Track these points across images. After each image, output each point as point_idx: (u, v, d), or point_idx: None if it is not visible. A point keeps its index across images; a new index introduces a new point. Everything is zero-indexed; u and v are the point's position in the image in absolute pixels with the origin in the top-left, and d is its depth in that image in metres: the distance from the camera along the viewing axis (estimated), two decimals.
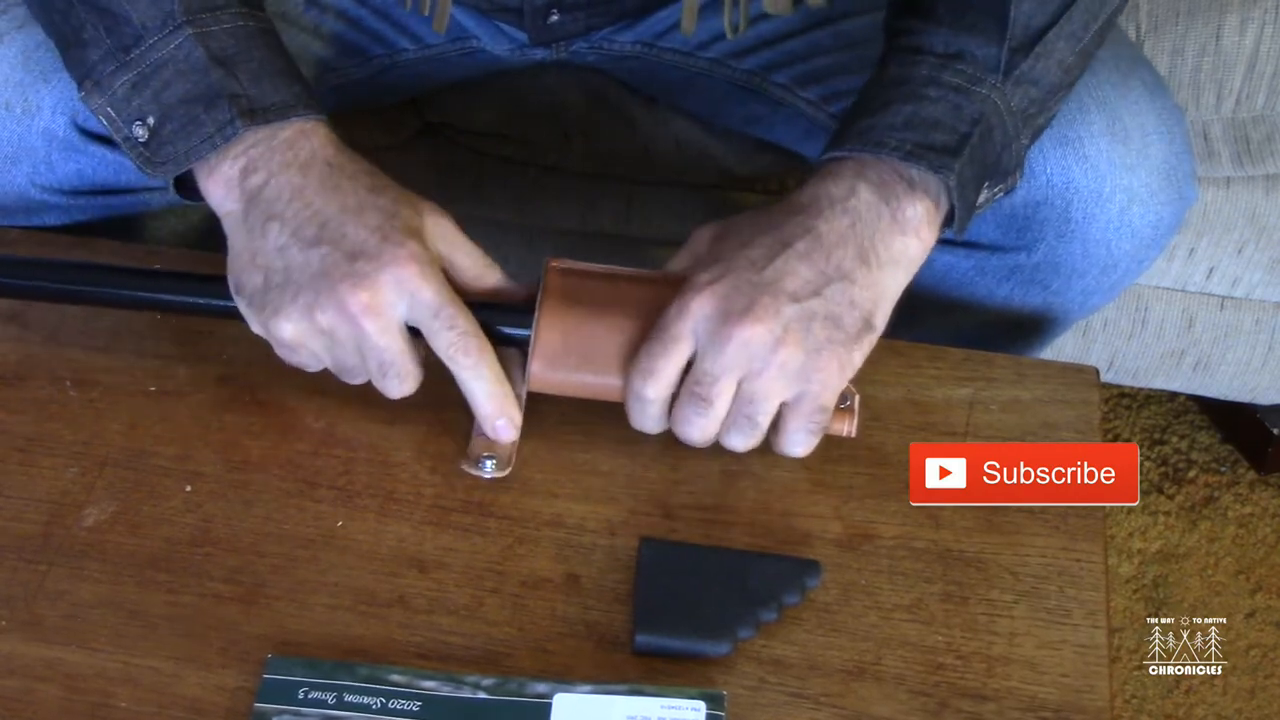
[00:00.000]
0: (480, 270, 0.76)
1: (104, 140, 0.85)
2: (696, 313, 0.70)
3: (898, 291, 0.73)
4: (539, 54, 1.01)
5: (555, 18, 0.95)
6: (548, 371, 0.73)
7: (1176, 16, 1.10)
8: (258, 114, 0.72)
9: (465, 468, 0.74)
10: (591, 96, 1.13)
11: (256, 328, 0.73)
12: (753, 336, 0.69)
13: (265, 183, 0.72)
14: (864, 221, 0.71)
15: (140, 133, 0.73)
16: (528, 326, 0.73)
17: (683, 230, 1.30)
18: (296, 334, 0.71)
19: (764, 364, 0.69)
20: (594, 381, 0.74)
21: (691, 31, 0.92)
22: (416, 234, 0.72)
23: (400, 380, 0.72)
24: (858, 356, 0.71)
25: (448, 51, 1.01)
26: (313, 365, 0.74)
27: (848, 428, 0.74)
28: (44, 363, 0.79)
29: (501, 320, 0.74)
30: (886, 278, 0.72)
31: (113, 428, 0.76)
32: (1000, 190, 0.77)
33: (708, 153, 1.14)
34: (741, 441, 0.72)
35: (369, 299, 0.69)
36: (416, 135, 1.21)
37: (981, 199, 0.76)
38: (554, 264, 0.76)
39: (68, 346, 0.80)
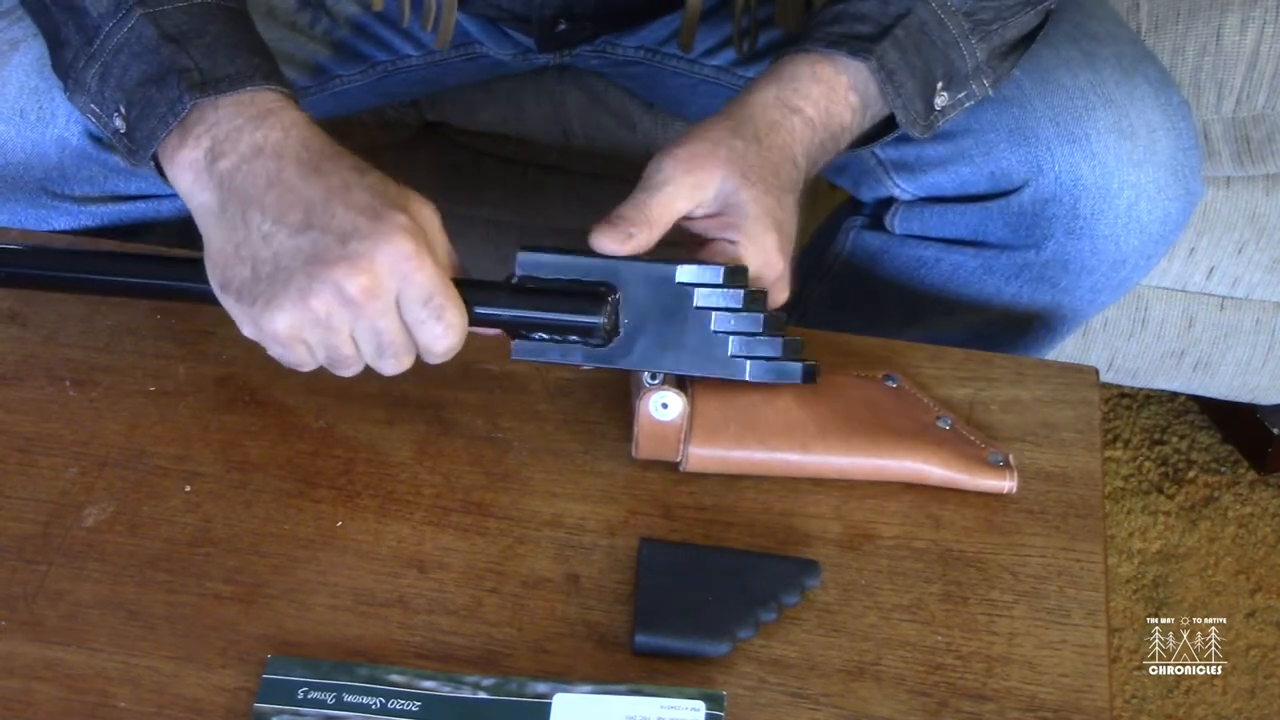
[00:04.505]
0: (450, 267, 0.72)
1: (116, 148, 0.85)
2: None
3: None
4: (542, 59, 1.01)
5: (563, 27, 0.95)
6: (706, 448, 0.73)
7: (1177, 16, 1.10)
8: (208, 85, 0.69)
9: None
10: (591, 97, 1.13)
11: (247, 327, 0.70)
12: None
13: (236, 168, 0.68)
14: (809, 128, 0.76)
15: (119, 124, 0.72)
16: (505, 306, 0.71)
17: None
18: (291, 326, 0.67)
19: None
20: (757, 457, 0.73)
21: (690, 48, 0.92)
22: (405, 209, 0.68)
23: (398, 358, 0.69)
24: None
25: (451, 57, 1.01)
26: (307, 363, 0.70)
27: (1009, 485, 0.74)
28: (44, 363, 0.79)
29: (480, 299, 0.71)
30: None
31: (112, 427, 0.76)
32: (965, 97, 0.79)
33: None
34: None
35: (368, 282, 0.66)
36: (416, 135, 1.21)
37: (942, 102, 0.78)
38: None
39: (68, 346, 0.80)
